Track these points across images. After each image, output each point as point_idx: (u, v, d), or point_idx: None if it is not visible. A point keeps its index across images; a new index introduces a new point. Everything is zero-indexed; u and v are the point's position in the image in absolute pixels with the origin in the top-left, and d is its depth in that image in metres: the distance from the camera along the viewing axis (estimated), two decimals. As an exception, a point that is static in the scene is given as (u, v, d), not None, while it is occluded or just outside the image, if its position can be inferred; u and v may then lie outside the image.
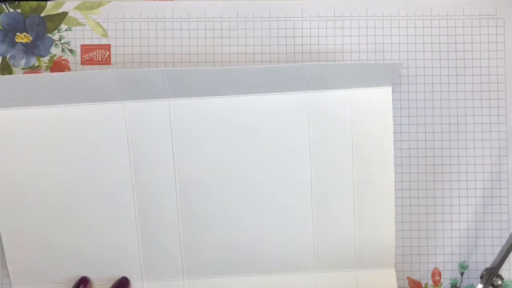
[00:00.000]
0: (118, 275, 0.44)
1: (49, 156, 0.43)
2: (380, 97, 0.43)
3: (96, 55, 0.45)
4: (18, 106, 0.43)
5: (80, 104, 0.43)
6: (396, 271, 0.44)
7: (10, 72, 0.45)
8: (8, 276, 0.44)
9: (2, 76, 0.43)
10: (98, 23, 0.45)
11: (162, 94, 0.43)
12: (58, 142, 0.43)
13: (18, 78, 0.42)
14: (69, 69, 0.45)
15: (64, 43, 0.45)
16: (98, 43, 0.45)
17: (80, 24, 0.45)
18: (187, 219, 0.43)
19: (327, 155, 0.43)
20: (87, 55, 0.45)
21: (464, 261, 0.45)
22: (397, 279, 0.44)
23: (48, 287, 0.44)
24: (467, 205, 0.45)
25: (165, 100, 0.43)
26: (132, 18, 0.45)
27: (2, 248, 0.44)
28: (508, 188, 0.45)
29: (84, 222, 0.43)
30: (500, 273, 0.43)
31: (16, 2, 0.45)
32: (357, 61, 0.45)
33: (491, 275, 0.41)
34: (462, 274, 0.45)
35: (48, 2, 0.45)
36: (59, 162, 0.43)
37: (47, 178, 0.43)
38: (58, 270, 0.44)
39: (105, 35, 0.45)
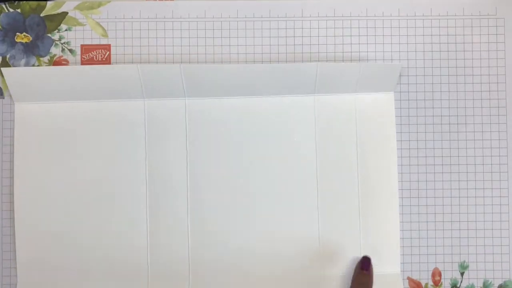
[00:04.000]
0: (123, 274, 0.43)
1: (67, 150, 0.44)
2: (383, 103, 0.44)
3: (96, 55, 0.45)
4: (39, 101, 0.44)
5: (103, 100, 0.44)
6: (396, 271, 0.44)
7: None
8: (9, 276, 0.44)
9: (26, 68, 0.45)
10: (98, 23, 0.45)
11: (180, 93, 0.44)
12: (77, 137, 0.44)
13: (43, 70, 0.43)
14: (69, 69, 0.45)
15: (64, 43, 0.45)
16: (98, 43, 0.45)
17: (80, 24, 0.45)
18: (196, 216, 0.44)
19: (332, 156, 0.44)
20: (87, 55, 0.45)
21: (464, 261, 0.45)
22: (397, 279, 0.44)
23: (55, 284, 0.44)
24: (467, 205, 0.45)
25: (182, 99, 0.44)
26: (132, 18, 0.45)
27: (3, 247, 0.44)
28: (508, 188, 0.45)
29: (95, 216, 0.44)
30: (500, 273, 0.43)
31: (16, 2, 0.45)
32: (358, 61, 0.45)
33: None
34: (462, 274, 0.45)
35: (48, 2, 0.45)
36: (77, 157, 0.44)
37: (64, 173, 0.44)
38: (65, 266, 0.44)
39: (105, 35, 0.45)
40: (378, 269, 0.44)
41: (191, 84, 0.43)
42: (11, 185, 0.44)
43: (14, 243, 0.44)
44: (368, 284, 0.42)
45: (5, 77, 0.43)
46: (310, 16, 0.45)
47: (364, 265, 0.42)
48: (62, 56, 0.45)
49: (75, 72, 0.43)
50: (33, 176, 0.44)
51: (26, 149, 0.44)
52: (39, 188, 0.44)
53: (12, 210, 0.44)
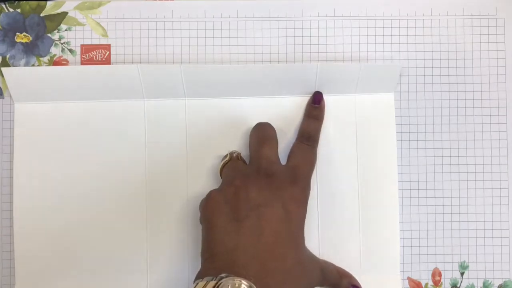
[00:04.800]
0: (122, 272, 0.43)
1: (66, 150, 0.44)
2: (383, 103, 0.44)
3: (96, 55, 0.45)
4: (39, 101, 0.44)
5: (103, 100, 0.44)
6: (396, 271, 0.44)
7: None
8: (9, 276, 0.44)
9: (26, 67, 0.45)
10: (98, 23, 0.45)
11: (180, 93, 0.44)
12: (78, 138, 0.44)
13: (43, 70, 0.44)
14: (69, 69, 0.45)
15: (64, 43, 0.45)
16: (98, 43, 0.45)
17: (80, 24, 0.45)
18: (195, 216, 0.43)
19: (332, 157, 0.44)
20: (87, 55, 0.45)
21: (464, 261, 0.45)
22: (397, 279, 0.44)
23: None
24: (467, 205, 0.45)
25: (182, 99, 0.44)
26: (132, 18, 0.45)
27: (3, 247, 0.44)
28: (508, 188, 0.45)
29: (94, 216, 0.44)
30: (500, 273, 0.43)
31: (16, 2, 0.45)
32: (359, 61, 0.45)
33: None
34: (462, 274, 0.45)
35: (48, 2, 0.45)
36: (76, 157, 0.44)
37: (63, 173, 0.44)
38: (64, 265, 0.43)
39: (105, 35, 0.45)
40: (378, 269, 0.44)
41: (191, 84, 0.43)
42: (11, 185, 0.44)
43: (14, 243, 0.44)
44: (319, 117, 0.43)
45: (5, 77, 0.43)
46: (310, 16, 0.45)
47: (316, 99, 0.43)
48: (62, 56, 0.45)
49: (75, 72, 0.43)
50: (32, 176, 0.44)
51: (26, 149, 0.44)
52: (39, 188, 0.44)
53: (12, 210, 0.44)
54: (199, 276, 0.36)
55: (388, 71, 0.43)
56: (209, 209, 0.38)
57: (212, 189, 0.40)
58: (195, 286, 0.34)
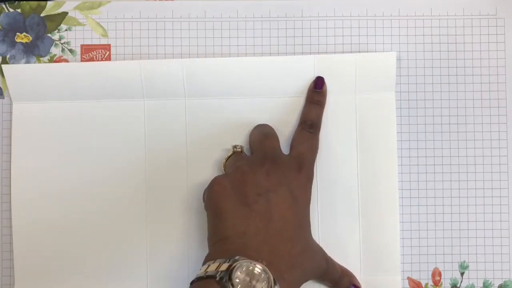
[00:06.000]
0: (121, 272, 0.43)
1: (65, 151, 0.44)
2: (383, 103, 0.44)
3: (96, 55, 0.45)
4: (38, 100, 0.44)
5: (103, 100, 0.44)
6: (396, 271, 0.44)
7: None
8: (9, 276, 0.44)
9: (26, 65, 0.45)
10: (98, 23, 0.45)
11: (180, 91, 0.44)
12: (77, 138, 0.44)
13: (44, 67, 0.44)
14: (69, 69, 0.45)
15: (64, 43, 0.45)
16: (98, 43, 0.45)
17: (80, 24, 0.45)
18: (195, 216, 0.44)
19: (332, 157, 0.44)
20: (87, 55, 0.45)
21: (464, 261, 0.45)
22: (397, 279, 0.44)
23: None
24: (467, 205, 0.45)
25: (182, 99, 0.44)
26: (132, 18, 0.45)
27: (2, 247, 0.44)
28: (508, 188, 0.45)
29: (94, 217, 0.44)
30: (500, 273, 0.43)
31: (16, 2, 0.45)
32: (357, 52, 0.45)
33: None
34: (462, 274, 0.45)
35: (48, 2, 0.45)
36: (76, 157, 0.44)
37: (62, 173, 0.44)
38: (63, 264, 0.44)
39: (105, 35, 0.45)
40: (378, 269, 0.44)
41: (191, 81, 0.43)
42: (11, 185, 0.44)
43: (13, 242, 0.44)
44: (321, 102, 0.43)
45: (5, 75, 0.43)
46: (310, 16, 0.45)
47: (317, 84, 0.43)
48: (62, 56, 0.45)
49: (76, 68, 0.43)
50: (31, 176, 0.44)
51: (24, 149, 0.44)
52: (37, 188, 0.44)
53: (11, 210, 0.44)
54: (209, 258, 0.36)
55: (385, 62, 0.43)
56: (216, 193, 0.38)
57: None
58: (207, 268, 0.35)
